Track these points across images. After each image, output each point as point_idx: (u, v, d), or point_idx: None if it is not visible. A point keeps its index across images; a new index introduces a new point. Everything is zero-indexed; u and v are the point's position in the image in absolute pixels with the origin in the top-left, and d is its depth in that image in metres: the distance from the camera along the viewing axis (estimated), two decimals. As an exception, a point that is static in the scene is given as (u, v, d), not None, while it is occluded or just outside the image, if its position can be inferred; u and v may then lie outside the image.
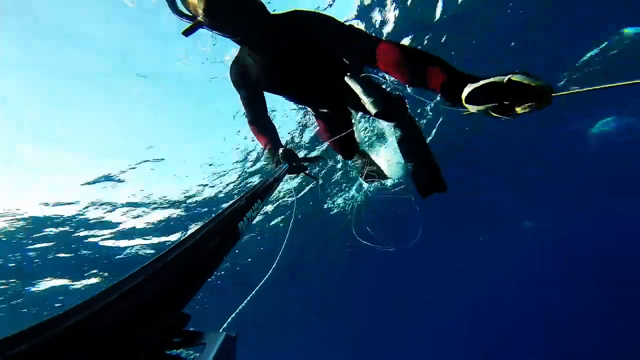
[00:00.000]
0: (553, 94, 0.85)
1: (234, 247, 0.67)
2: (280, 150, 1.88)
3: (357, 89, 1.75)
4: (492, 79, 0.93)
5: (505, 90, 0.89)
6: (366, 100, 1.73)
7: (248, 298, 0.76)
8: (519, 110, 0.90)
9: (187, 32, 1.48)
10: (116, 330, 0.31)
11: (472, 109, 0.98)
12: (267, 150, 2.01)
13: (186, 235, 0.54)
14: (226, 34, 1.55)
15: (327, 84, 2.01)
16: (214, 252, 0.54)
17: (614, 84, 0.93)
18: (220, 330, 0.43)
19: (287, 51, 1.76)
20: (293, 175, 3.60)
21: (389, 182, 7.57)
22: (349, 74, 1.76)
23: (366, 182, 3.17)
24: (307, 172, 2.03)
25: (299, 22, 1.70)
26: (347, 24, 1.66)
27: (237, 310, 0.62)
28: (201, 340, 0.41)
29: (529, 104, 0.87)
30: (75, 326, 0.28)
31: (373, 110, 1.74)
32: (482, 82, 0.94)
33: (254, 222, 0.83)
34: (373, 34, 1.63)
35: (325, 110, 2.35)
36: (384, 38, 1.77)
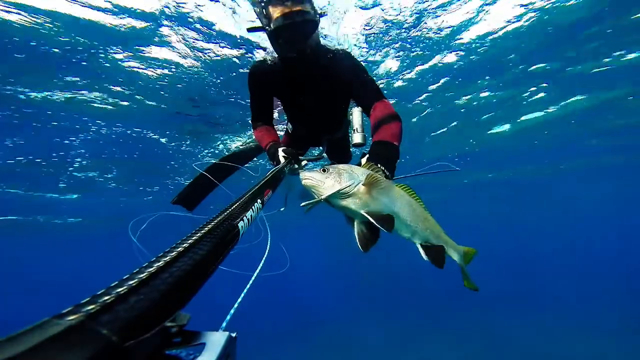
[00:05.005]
0: None
1: (234, 247, 0.67)
2: (281, 150, 1.88)
3: (357, 118, 2.32)
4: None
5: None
6: (359, 130, 2.27)
7: (242, 295, 0.76)
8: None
9: (250, 30, 1.92)
10: (116, 330, 0.31)
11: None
12: (268, 148, 2.04)
13: (187, 235, 0.54)
14: (278, 47, 1.85)
15: (329, 112, 2.43)
16: (214, 252, 0.54)
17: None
18: (220, 330, 0.43)
19: (319, 78, 2.08)
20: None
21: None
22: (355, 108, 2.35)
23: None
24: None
25: (346, 64, 2.01)
26: (371, 79, 2.01)
27: (233, 310, 0.62)
28: (201, 340, 0.41)
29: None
30: (76, 326, 0.28)
31: (358, 141, 2.25)
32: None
33: (253, 222, 0.83)
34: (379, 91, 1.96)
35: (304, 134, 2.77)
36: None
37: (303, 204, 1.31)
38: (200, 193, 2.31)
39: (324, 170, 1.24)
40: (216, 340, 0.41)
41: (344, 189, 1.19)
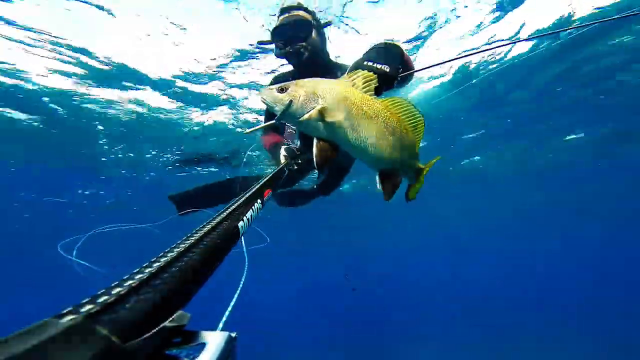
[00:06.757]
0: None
1: (234, 247, 0.66)
2: (283, 147, 1.90)
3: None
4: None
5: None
6: None
7: (235, 296, 0.75)
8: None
9: (260, 43, 2.16)
10: (116, 330, 0.31)
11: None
12: (271, 148, 2.08)
13: (186, 236, 0.54)
14: (278, 49, 2.06)
15: None
16: (214, 253, 0.54)
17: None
18: (218, 330, 0.43)
19: None
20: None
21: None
22: None
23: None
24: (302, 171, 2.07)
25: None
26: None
27: (229, 310, 0.62)
28: (201, 340, 0.41)
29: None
30: (76, 326, 0.28)
31: None
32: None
33: (253, 222, 0.83)
34: None
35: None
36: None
37: (247, 130, 1.21)
38: (203, 202, 2.23)
39: (281, 89, 1.09)
40: (216, 340, 0.41)
41: (288, 111, 1.05)
